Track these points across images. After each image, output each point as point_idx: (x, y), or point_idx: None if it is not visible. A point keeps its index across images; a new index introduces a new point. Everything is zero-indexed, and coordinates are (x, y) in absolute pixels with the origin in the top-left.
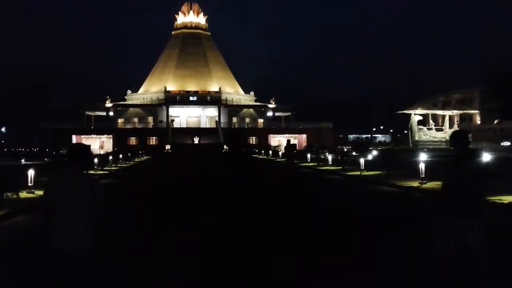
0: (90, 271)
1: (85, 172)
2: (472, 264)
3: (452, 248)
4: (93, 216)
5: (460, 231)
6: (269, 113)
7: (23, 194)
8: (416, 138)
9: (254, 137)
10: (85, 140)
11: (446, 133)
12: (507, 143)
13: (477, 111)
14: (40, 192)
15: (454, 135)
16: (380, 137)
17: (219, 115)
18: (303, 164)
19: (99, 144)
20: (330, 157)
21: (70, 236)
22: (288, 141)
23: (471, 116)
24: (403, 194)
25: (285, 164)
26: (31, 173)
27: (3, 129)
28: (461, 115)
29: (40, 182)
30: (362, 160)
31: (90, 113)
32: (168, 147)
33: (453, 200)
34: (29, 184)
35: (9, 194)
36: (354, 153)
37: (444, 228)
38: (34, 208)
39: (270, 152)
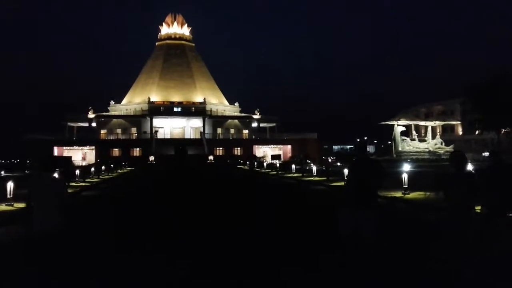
0: (61, 244)
1: (53, 176)
2: (365, 244)
3: (352, 233)
4: (59, 206)
5: (358, 220)
6: (254, 124)
7: (2, 207)
8: (400, 149)
9: (239, 148)
10: (67, 151)
11: (428, 144)
12: (488, 154)
13: (458, 122)
14: (20, 205)
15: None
16: None
17: (203, 126)
18: (288, 175)
19: (82, 155)
20: (314, 168)
21: (43, 219)
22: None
23: (453, 127)
24: (386, 204)
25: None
26: (10, 185)
27: None
28: (443, 126)
29: (19, 194)
30: (346, 171)
31: (72, 124)
32: (151, 158)
33: (354, 197)
34: (8, 197)
35: None
36: (338, 164)
37: (346, 218)
38: (12, 221)
39: (256, 163)
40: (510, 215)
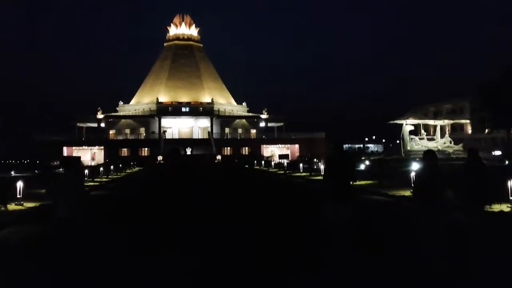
0: (80, 230)
1: (74, 173)
2: (346, 234)
3: (335, 223)
4: (80, 199)
5: (340, 212)
6: (262, 124)
7: (12, 206)
8: (408, 148)
9: (246, 148)
10: (76, 151)
11: (437, 143)
12: (498, 153)
13: (467, 121)
14: (29, 204)
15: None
16: (372, 147)
17: (211, 126)
18: (296, 174)
19: (91, 155)
20: (322, 167)
21: (66, 209)
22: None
23: (462, 126)
24: (395, 203)
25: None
26: (19, 185)
27: None
28: (452, 125)
29: (29, 193)
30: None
31: (81, 125)
32: (160, 158)
33: (335, 190)
34: (18, 196)
35: None
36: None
37: (329, 208)
38: (22, 220)
39: (263, 162)
40: (487, 207)
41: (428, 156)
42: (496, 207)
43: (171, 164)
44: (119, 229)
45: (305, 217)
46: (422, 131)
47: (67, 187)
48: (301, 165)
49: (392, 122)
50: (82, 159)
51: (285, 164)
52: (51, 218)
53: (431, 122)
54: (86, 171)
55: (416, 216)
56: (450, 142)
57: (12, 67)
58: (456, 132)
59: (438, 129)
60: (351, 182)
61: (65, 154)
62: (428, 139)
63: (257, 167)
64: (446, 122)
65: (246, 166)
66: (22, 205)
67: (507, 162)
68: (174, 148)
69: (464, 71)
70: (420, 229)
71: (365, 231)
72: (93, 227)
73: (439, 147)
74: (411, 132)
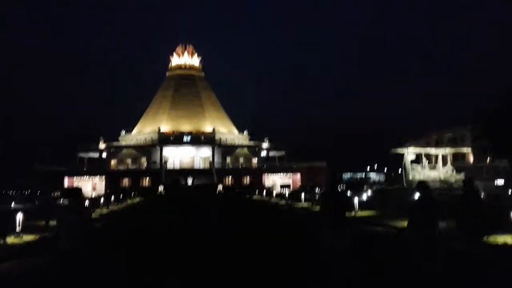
0: (83, 263)
1: (77, 204)
2: (343, 257)
3: (332, 247)
4: (84, 229)
5: (336, 236)
6: (263, 153)
7: (11, 239)
8: (410, 178)
9: (248, 177)
10: (77, 182)
11: (440, 172)
12: (501, 181)
13: (469, 149)
14: (29, 237)
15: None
16: (374, 176)
17: (213, 156)
18: (297, 205)
19: (92, 186)
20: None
21: (69, 242)
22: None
23: (464, 154)
24: (397, 234)
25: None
26: (19, 217)
27: None
28: (454, 154)
29: (29, 226)
30: (356, 200)
31: (83, 155)
32: (161, 188)
33: (331, 219)
34: (17, 229)
35: None
36: (349, 193)
37: (326, 236)
38: (21, 254)
39: (264, 192)
40: (487, 237)
41: (420, 187)
42: (500, 239)
43: (171, 198)
44: (119, 263)
45: (305, 246)
46: (424, 160)
47: (70, 219)
48: (302, 195)
49: (394, 151)
50: (83, 189)
51: (287, 194)
52: (53, 251)
53: (433, 151)
54: (87, 203)
55: (412, 246)
56: (452, 171)
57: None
58: (458, 161)
59: (440, 158)
60: (345, 213)
61: (66, 185)
62: (430, 168)
63: (258, 197)
64: (448, 151)
65: (248, 196)
66: (21, 238)
67: (510, 192)
68: (174, 181)
69: (464, 97)
70: (415, 257)
71: (365, 259)
72: (94, 260)
73: (442, 176)
74: (413, 161)
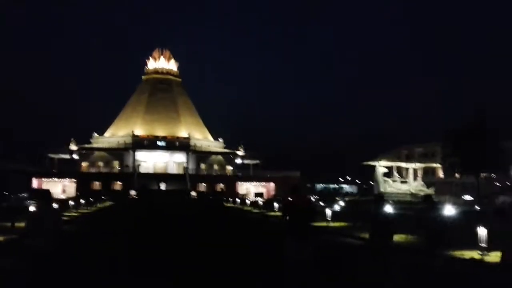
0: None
1: (48, 205)
2: (305, 264)
3: (296, 255)
4: (54, 230)
5: (299, 245)
6: (238, 161)
7: None
8: (381, 190)
9: (222, 184)
10: (46, 184)
11: (410, 186)
12: (469, 197)
13: (439, 165)
14: None
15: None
16: (347, 188)
17: (187, 161)
18: (271, 213)
19: (61, 188)
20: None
21: (40, 241)
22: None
23: (434, 169)
24: (364, 245)
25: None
26: None
27: None
28: (424, 168)
29: None
30: (328, 211)
31: (53, 156)
32: (133, 192)
33: (295, 228)
34: None
35: None
36: (321, 203)
37: (290, 244)
38: None
39: (238, 200)
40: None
41: (377, 200)
42: (467, 254)
43: (141, 202)
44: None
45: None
46: (395, 173)
47: (42, 219)
48: (275, 204)
49: (365, 163)
50: (52, 191)
51: (260, 202)
52: (22, 251)
53: (403, 165)
54: (56, 205)
55: (372, 255)
56: (423, 186)
57: None
58: (428, 176)
59: (410, 172)
60: (309, 223)
61: (34, 186)
62: (401, 182)
63: (231, 204)
64: (419, 165)
65: (221, 203)
66: None
67: (477, 208)
68: (143, 186)
69: (435, 113)
70: (372, 267)
71: (326, 268)
72: (67, 259)
73: (412, 190)
74: (384, 174)
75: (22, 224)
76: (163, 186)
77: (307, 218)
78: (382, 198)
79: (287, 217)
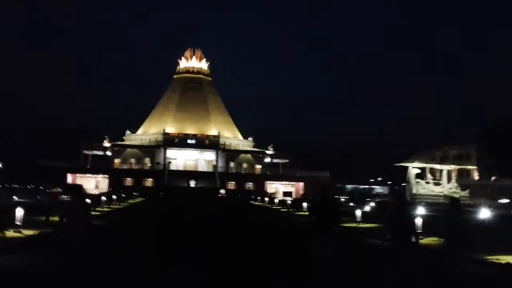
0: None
1: (80, 199)
2: (329, 261)
3: (321, 253)
4: (86, 224)
5: (324, 243)
6: (267, 160)
7: (10, 233)
8: (414, 192)
9: (251, 183)
10: (80, 179)
11: (444, 188)
12: (506, 200)
13: (474, 167)
14: (29, 232)
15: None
16: (378, 189)
17: (216, 159)
18: (299, 213)
19: (95, 184)
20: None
21: (73, 235)
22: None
23: (468, 172)
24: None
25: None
26: (20, 212)
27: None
28: (459, 170)
29: (29, 221)
30: (359, 212)
31: (87, 152)
32: (163, 189)
33: (321, 227)
34: (17, 223)
35: None
36: (351, 204)
37: (316, 241)
38: (19, 248)
39: (266, 199)
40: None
41: (399, 202)
42: (503, 258)
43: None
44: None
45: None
46: (429, 175)
47: (74, 213)
48: (304, 204)
49: (398, 164)
50: (85, 187)
51: (289, 202)
52: (56, 244)
53: (437, 166)
54: (88, 200)
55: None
56: (457, 188)
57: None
58: (462, 178)
59: (444, 173)
60: (336, 221)
61: (69, 181)
62: (435, 184)
63: (259, 203)
64: (453, 167)
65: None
66: (20, 232)
67: None
68: (165, 186)
69: (465, 120)
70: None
71: (349, 267)
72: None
73: (445, 192)
74: (417, 176)
75: (56, 218)
76: (192, 184)
77: (333, 218)
78: (402, 200)
79: (314, 217)
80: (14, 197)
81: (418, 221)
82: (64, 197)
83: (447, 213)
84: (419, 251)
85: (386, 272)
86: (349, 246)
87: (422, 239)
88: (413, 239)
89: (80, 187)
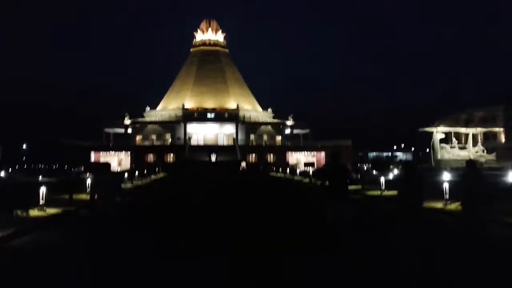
0: (119, 226)
1: (111, 173)
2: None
3: (334, 216)
4: (118, 196)
5: (338, 207)
6: (287, 131)
7: (34, 212)
8: (439, 157)
9: (271, 155)
10: (104, 157)
11: (469, 152)
12: None
13: (501, 129)
14: (52, 210)
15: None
16: (401, 156)
17: (236, 132)
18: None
19: (117, 161)
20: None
21: (105, 206)
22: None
23: (495, 134)
24: (427, 216)
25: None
26: (43, 190)
27: (24, 146)
28: (484, 133)
29: (53, 199)
30: (382, 179)
31: (109, 130)
32: (185, 164)
33: (335, 192)
34: (41, 202)
35: (19, 211)
36: (374, 172)
37: (331, 206)
38: (43, 227)
39: (288, 170)
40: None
41: (405, 168)
42: None
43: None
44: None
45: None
46: (454, 139)
47: (108, 185)
48: None
49: (422, 129)
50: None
51: (311, 172)
52: (93, 214)
53: (462, 130)
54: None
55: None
56: (483, 151)
57: (33, 67)
58: (489, 141)
59: (470, 137)
60: (347, 186)
61: (92, 159)
62: (460, 148)
63: (281, 174)
64: (479, 130)
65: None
66: (44, 211)
67: None
68: (183, 161)
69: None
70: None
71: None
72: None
73: (471, 156)
74: (441, 141)
75: (81, 196)
76: (213, 158)
77: (344, 182)
78: (409, 166)
79: (327, 182)
80: (40, 176)
81: (445, 186)
82: (88, 175)
83: (463, 176)
84: (422, 212)
85: (398, 231)
86: (368, 213)
87: (450, 204)
88: (420, 203)
89: (108, 165)
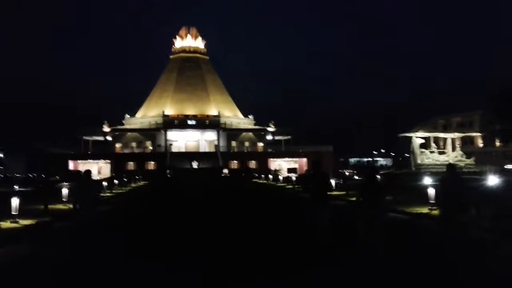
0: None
1: (90, 180)
2: (324, 228)
3: (314, 220)
4: (95, 202)
5: (318, 212)
6: (269, 137)
7: (5, 224)
8: (419, 162)
9: (253, 161)
10: (82, 165)
11: (449, 156)
12: (510, 166)
13: (478, 134)
14: (26, 221)
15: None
16: (381, 161)
17: (218, 139)
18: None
19: (97, 169)
20: (333, 182)
21: (86, 214)
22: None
23: (472, 139)
24: (412, 221)
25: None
26: (15, 201)
27: (1, 155)
28: (462, 138)
29: (27, 210)
30: (296, 178)
31: (87, 138)
32: (166, 171)
33: (315, 198)
34: (13, 213)
35: None
36: (357, 177)
37: (311, 210)
38: (15, 240)
39: (270, 176)
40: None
41: (367, 172)
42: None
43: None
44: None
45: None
46: (433, 144)
47: (87, 195)
48: None
49: (401, 134)
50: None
51: (294, 178)
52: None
53: (441, 135)
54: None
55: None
56: (462, 156)
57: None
58: (466, 146)
59: (448, 142)
60: (326, 192)
61: (70, 168)
62: (439, 153)
63: (264, 180)
64: (457, 135)
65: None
66: (17, 222)
67: None
68: (164, 168)
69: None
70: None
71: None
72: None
73: (451, 161)
74: (421, 146)
75: (57, 206)
76: (195, 165)
77: (325, 189)
78: (372, 171)
79: (309, 187)
80: (15, 186)
81: (431, 191)
82: (65, 184)
83: (442, 179)
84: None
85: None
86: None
87: (436, 209)
88: (382, 203)
89: (89, 172)
